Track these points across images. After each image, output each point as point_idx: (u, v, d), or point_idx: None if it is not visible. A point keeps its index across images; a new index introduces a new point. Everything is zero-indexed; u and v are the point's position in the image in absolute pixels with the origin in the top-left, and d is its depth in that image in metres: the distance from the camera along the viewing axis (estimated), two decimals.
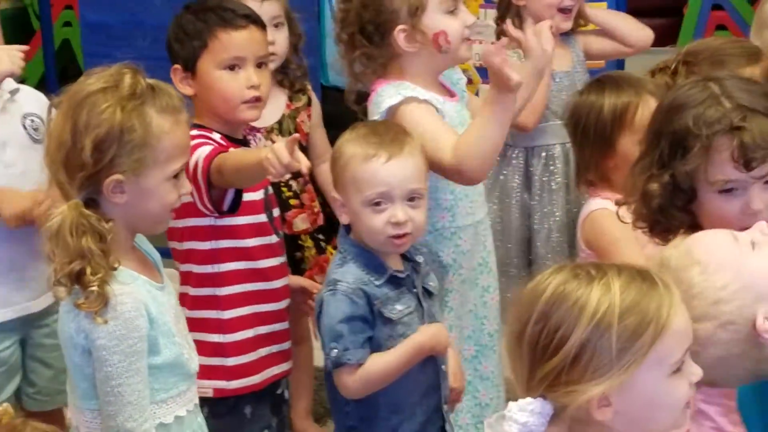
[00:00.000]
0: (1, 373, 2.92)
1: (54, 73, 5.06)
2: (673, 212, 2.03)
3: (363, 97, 2.80)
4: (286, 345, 2.76)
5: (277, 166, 2.24)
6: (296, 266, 3.27)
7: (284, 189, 3.24)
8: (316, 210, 3.32)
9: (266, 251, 2.67)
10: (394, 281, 2.40)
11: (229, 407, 2.62)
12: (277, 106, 3.25)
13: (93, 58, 4.28)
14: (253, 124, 3.08)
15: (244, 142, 2.73)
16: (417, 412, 2.43)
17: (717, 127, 1.98)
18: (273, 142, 3.21)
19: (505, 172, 3.35)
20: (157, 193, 2.10)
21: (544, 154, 3.34)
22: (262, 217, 2.67)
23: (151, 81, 2.12)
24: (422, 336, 2.38)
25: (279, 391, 2.75)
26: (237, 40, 2.61)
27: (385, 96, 2.66)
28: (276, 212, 2.75)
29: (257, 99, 2.63)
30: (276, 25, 3.20)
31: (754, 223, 1.89)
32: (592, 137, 2.66)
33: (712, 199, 2.01)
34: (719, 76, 2.11)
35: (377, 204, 2.36)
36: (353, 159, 2.37)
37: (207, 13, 2.62)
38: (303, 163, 2.27)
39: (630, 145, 2.56)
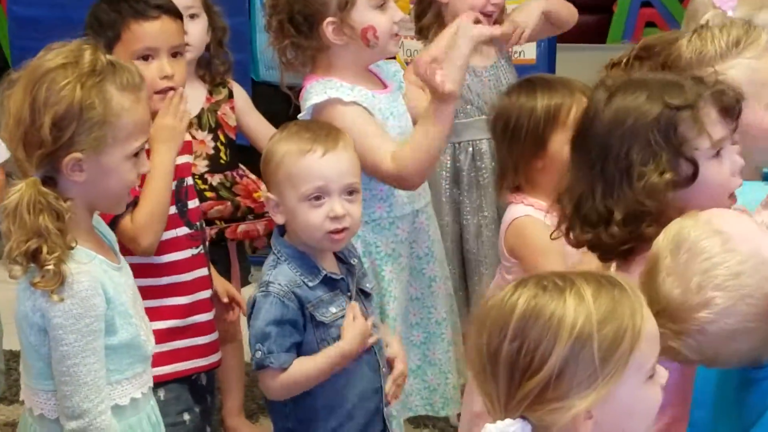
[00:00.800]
0: None
1: None
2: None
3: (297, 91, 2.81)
4: (209, 337, 2.74)
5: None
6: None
7: (198, 181, 3.18)
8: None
9: (174, 245, 2.65)
10: (329, 283, 2.39)
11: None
12: (195, 100, 3.20)
13: (21, 51, 4.22)
14: None
15: None
16: (356, 414, 2.41)
17: (700, 91, 2.02)
18: (192, 137, 3.17)
19: None
20: (117, 171, 2.07)
21: (470, 149, 3.35)
22: (172, 209, 2.64)
23: (111, 57, 2.10)
24: (344, 343, 2.36)
25: (193, 377, 2.72)
26: (149, 31, 2.61)
27: (312, 93, 2.68)
28: (193, 204, 2.73)
29: (170, 89, 2.63)
30: (191, 16, 3.17)
31: (735, 186, 1.99)
32: (523, 137, 2.65)
33: (709, 166, 2.02)
34: (640, 75, 2.14)
35: (315, 199, 2.35)
36: (287, 155, 2.36)
37: (120, 4, 2.62)
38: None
39: (560, 144, 2.55)
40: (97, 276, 2.06)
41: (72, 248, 2.02)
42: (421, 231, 2.83)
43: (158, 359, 2.58)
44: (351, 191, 2.38)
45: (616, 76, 2.15)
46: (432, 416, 3.09)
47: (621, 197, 2.01)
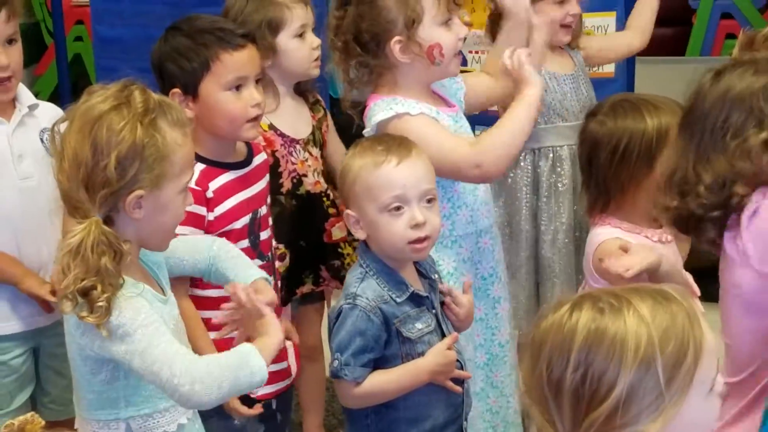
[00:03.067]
0: (13, 381, 2.96)
1: (68, 86, 5.09)
2: None
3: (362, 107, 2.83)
4: (277, 366, 2.73)
5: None
6: (336, 273, 3.28)
7: (324, 199, 3.24)
8: None
9: None
10: (415, 299, 2.39)
11: (215, 410, 2.62)
12: (305, 118, 3.25)
13: (105, 71, 4.32)
14: (291, 135, 3.09)
15: (233, 165, 2.69)
16: (437, 426, 2.41)
17: None
18: (311, 154, 3.21)
19: (512, 174, 3.38)
20: (171, 206, 2.12)
21: (551, 155, 3.38)
22: (245, 243, 2.65)
23: (156, 96, 2.14)
24: (423, 362, 2.36)
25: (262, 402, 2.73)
26: (239, 61, 2.60)
27: (377, 110, 2.69)
28: (265, 234, 2.74)
29: (258, 116, 2.65)
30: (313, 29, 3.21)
31: None
32: (634, 159, 2.61)
33: None
34: (750, 56, 2.19)
35: (395, 209, 2.35)
36: (363, 169, 2.37)
37: (204, 35, 2.61)
38: None
39: (666, 163, 2.53)
40: (144, 299, 2.08)
41: (120, 287, 2.05)
42: (486, 251, 2.82)
43: None
44: (429, 198, 2.38)
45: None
46: None
47: (713, 162, 2.03)
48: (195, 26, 2.63)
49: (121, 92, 2.09)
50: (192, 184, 2.48)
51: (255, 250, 2.67)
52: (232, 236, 2.62)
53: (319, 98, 3.34)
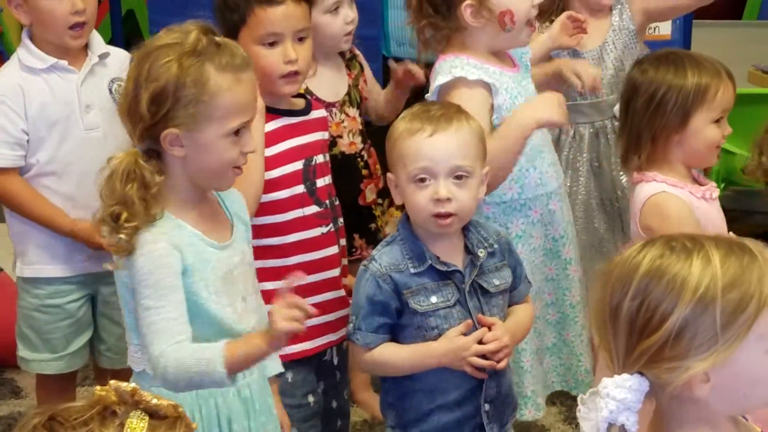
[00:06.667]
0: (69, 326, 3.00)
1: (121, 41, 5.11)
2: None
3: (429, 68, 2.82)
4: (340, 313, 2.73)
5: None
6: (372, 238, 3.27)
7: (358, 160, 3.23)
8: (380, 173, 3.31)
9: (301, 224, 2.66)
10: (439, 272, 2.35)
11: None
12: (342, 78, 3.25)
13: (158, 26, 4.32)
14: (327, 99, 3.10)
15: (287, 112, 2.69)
16: (452, 403, 2.38)
17: None
18: (347, 114, 3.21)
19: None
20: (213, 148, 2.11)
21: (572, 132, 3.34)
22: (300, 188, 2.66)
23: (218, 39, 2.14)
24: (435, 348, 2.33)
25: (325, 358, 2.75)
26: (273, 17, 2.58)
27: (439, 73, 2.68)
28: (322, 182, 2.73)
29: (295, 73, 2.63)
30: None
31: None
32: (669, 111, 2.64)
33: None
34: None
35: (421, 180, 2.32)
36: (402, 135, 2.35)
37: None
38: None
39: (702, 122, 2.62)
40: (176, 242, 2.10)
41: (154, 219, 2.08)
42: (556, 213, 2.82)
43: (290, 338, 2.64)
44: (459, 175, 2.33)
45: None
46: (563, 393, 3.08)
47: None
48: None
49: (181, 31, 2.11)
50: None
51: (311, 196, 2.68)
52: (285, 180, 2.63)
53: (357, 53, 3.32)
